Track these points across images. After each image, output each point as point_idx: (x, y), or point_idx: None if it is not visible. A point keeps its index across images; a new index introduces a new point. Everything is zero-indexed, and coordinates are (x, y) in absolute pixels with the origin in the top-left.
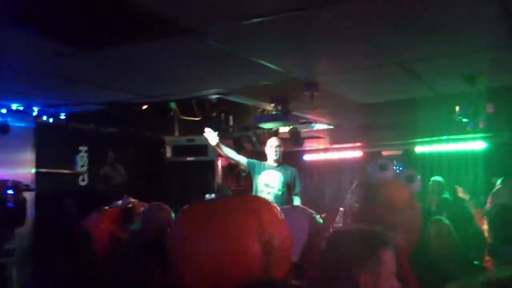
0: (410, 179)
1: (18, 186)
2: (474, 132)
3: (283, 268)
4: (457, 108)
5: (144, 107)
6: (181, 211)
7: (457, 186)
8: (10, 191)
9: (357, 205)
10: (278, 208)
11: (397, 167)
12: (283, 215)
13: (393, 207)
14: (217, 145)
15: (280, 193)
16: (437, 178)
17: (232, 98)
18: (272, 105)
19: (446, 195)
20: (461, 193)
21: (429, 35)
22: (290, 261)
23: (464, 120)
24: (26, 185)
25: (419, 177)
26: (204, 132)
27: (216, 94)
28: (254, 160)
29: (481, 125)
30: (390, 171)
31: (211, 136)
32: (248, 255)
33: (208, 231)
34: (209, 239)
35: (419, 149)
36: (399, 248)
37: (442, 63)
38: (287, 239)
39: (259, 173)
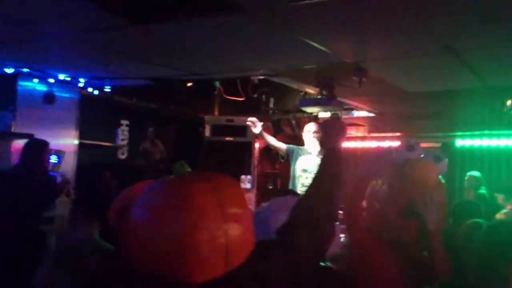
0: (437, 159)
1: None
2: None
3: (241, 254)
4: (509, 102)
5: (189, 84)
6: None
7: (496, 194)
8: (54, 159)
9: (384, 186)
10: (239, 188)
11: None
12: (245, 198)
13: (423, 184)
14: (260, 133)
15: None
16: (474, 172)
17: (278, 80)
18: (317, 89)
19: (483, 190)
20: (500, 200)
21: (487, 23)
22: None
23: None
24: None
25: (446, 159)
26: (245, 115)
27: (262, 75)
28: (293, 146)
29: None
30: (417, 151)
31: (255, 124)
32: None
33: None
34: (167, 221)
35: (459, 142)
36: (431, 226)
37: (497, 54)
38: (247, 224)
39: (297, 158)
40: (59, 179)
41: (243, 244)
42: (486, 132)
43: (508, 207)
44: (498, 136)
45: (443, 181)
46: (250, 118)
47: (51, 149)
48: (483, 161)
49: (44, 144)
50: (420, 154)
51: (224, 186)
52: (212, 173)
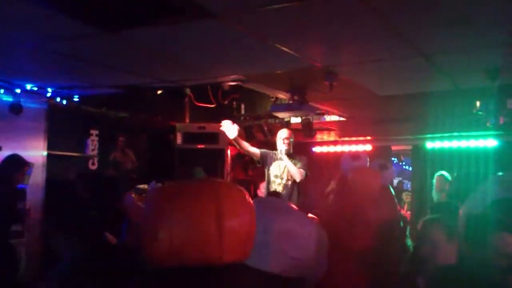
0: (382, 167)
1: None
2: (493, 128)
3: (237, 251)
4: (478, 103)
5: (159, 92)
6: (153, 189)
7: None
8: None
9: (331, 197)
10: (246, 195)
11: (404, 163)
12: (248, 202)
13: (366, 191)
14: (235, 138)
15: (289, 183)
16: (443, 172)
17: (249, 86)
18: (288, 94)
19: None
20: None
21: (456, 27)
22: (246, 246)
23: (484, 115)
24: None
25: (393, 167)
26: (216, 122)
27: (233, 80)
28: (266, 151)
29: (501, 121)
30: (362, 160)
31: (230, 128)
32: (204, 236)
33: (169, 211)
34: (168, 219)
35: (430, 144)
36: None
37: (466, 56)
38: (246, 225)
39: (271, 163)
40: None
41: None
42: (455, 133)
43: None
44: (467, 137)
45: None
46: (224, 121)
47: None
48: (453, 163)
49: (25, 163)
50: (366, 163)
51: (225, 198)
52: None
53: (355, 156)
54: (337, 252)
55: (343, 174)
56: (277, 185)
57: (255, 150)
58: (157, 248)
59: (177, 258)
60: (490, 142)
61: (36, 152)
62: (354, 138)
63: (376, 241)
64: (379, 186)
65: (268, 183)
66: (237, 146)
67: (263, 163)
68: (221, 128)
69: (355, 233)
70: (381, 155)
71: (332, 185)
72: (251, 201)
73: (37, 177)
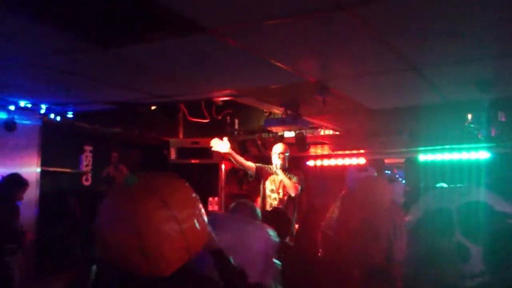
0: (391, 180)
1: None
2: (485, 140)
3: (199, 242)
4: (469, 116)
5: (153, 108)
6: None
7: None
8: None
9: (336, 211)
10: (188, 190)
11: (398, 175)
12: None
13: (374, 202)
14: (229, 153)
15: (285, 198)
16: (443, 185)
17: (243, 100)
18: (282, 108)
19: None
20: None
21: (446, 40)
22: (204, 236)
23: (475, 128)
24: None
25: (402, 180)
26: (210, 137)
27: (226, 95)
28: (262, 165)
29: (493, 133)
30: (369, 171)
31: (220, 144)
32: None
33: (118, 215)
34: (118, 222)
35: (422, 157)
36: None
37: (455, 69)
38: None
39: (266, 178)
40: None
41: (200, 234)
42: (447, 146)
43: None
44: (460, 150)
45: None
46: (212, 140)
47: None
48: (444, 175)
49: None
50: (374, 175)
51: (171, 195)
52: (159, 181)
53: (362, 168)
54: (342, 267)
55: (349, 187)
56: (272, 200)
57: (250, 164)
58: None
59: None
60: (482, 154)
61: (29, 168)
62: (347, 152)
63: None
64: (390, 198)
65: (263, 198)
66: (232, 161)
67: (259, 177)
68: (212, 149)
69: (362, 246)
70: (374, 168)
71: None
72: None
73: (30, 194)
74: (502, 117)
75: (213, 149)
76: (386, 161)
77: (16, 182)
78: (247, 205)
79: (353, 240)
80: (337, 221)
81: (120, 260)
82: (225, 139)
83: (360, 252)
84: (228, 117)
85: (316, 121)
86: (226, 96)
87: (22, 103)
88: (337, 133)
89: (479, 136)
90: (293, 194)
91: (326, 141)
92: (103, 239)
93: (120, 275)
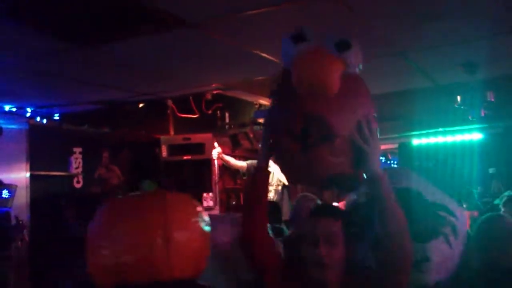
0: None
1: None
2: (475, 121)
3: (188, 267)
4: (459, 97)
5: (140, 105)
6: (101, 206)
7: None
8: (5, 193)
9: None
10: (197, 208)
11: (392, 161)
12: (198, 216)
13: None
14: (221, 158)
15: (279, 188)
16: None
17: (231, 93)
18: (270, 100)
19: None
20: None
21: (429, 23)
22: (197, 262)
23: (465, 109)
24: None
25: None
26: (201, 132)
27: (214, 89)
28: (252, 161)
29: (482, 113)
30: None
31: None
32: (151, 252)
33: (112, 226)
34: (112, 235)
35: (416, 141)
36: None
37: (442, 52)
38: (195, 239)
39: None
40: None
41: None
42: (441, 129)
43: None
44: (453, 132)
45: None
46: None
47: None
48: (438, 158)
49: None
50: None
51: (173, 211)
52: (167, 194)
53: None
54: None
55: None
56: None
57: (241, 164)
58: (102, 266)
59: (123, 275)
60: (475, 136)
61: (18, 173)
62: None
63: None
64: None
65: None
66: (225, 164)
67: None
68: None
69: None
70: None
71: None
72: (204, 215)
73: (21, 199)
74: (491, 97)
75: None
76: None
77: None
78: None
79: None
80: None
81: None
82: (216, 144)
83: None
84: (218, 111)
85: None
86: (214, 89)
87: (7, 108)
88: None
89: (470, 118)
90: (287, 183)
91: None
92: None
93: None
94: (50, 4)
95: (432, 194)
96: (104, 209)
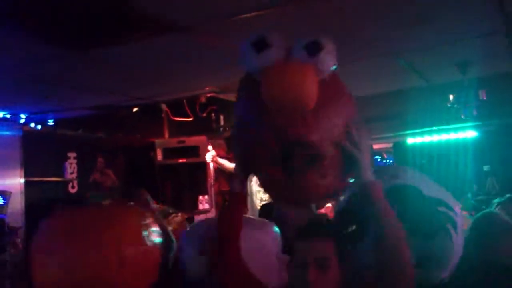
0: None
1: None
2: (469, 120)
3: (139, 282)
4: (451, 96)
5: (135, 109)
6: (44, 222)
7: None
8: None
9: None
10: (147, 220)
11: (388, 160)
12: (149, 229)
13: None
14: (215, 161)
15: None
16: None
17: (225, 96)
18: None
19: None
20: None
21: (421, 24)
22: (149, 276)
23: (458, 108)
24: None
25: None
26: (196, 135)
27: (208, 92)
28: None
29: (475, 112)
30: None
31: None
32: (104, 268)
33: (64, 243)
34: (63, 251)
35: (411, 140)
36: None
37: (434, 52)
38: (145, 253)
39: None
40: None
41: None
42: (435, 128)
43: None
44: (447, 131)
45: None
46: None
47: None
48: (432, 156)
49: None
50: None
51: (124, 227)
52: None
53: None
54: None
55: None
56: (262, 194)
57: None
58: (51, 283)
59: None
60: (469, 134)
61: (13, 180)
62: None
63: None
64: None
65: (252, 194)
66: (220, 167)
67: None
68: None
69: None
70: None
71: None
72: (157, 226)
73: (16, 205)
74: (483, 95)
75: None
76: (375, 146)
77: None
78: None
79: None
80: None
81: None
82: (210, 147)
83: None
84: (213, 114)
85: None
86: (207, 93)
87: (1, 114)
88: None
89: (462, 117)
90: None
91: None
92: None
93: None
94: (43, 10)
95: (430, 188)
96: (51, 223)
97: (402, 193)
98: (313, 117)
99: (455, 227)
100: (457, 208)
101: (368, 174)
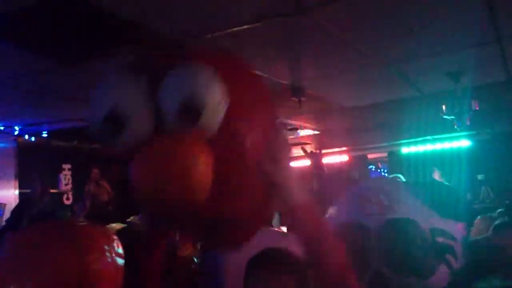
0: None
1: None
2: (462, 129)
3: None
4: (444, 106)
5: None
6: (8, 236)
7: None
8: None
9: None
10: (111, 240)
11: (382, 170)
12: (113, 250)
13: None
14: None
15: None
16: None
17: None
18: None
19: None
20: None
21: (414, 35)
22: None
23: (451, 118)
24: None
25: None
26: None
27: None
28: None
29: (468, 122)
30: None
31: None
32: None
33: (25, 265)
34: (24, 272)
35: (405, 150)
36: None
37: (428, 62)
38: (110, 276)
39: None
40: None
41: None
42: (429, 137)
43: None
44: (441, 140)
45: None
46: None
47: None
48: (426, 165)
49: None
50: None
51: (88, 249)
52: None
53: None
54: None
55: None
56: None
57: None
58: None
59: None
60: (463, 143)
61: (7, 192)
62: (330, 150)
63: None
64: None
65: None
66: None
67: None
68: None
69: None
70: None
71: None
72: (119, 244)
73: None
74: (475, 105)
75: None
76: (370, 156)
77: None
78: None
79: None
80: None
81: None
82: None
83: None
84: None
85: (296, 122)
86: None
87: None
88: (318, 132)
89: (455, 126)
90: None
91: (307, 141)
92: None
93: None
94: (35, 24)
95: (427, 217)
96: (12, 241)
97: (399, 229)
98: (217, 199)
99: (455, 255)
100: (457, 231)
101: (295, 197)
